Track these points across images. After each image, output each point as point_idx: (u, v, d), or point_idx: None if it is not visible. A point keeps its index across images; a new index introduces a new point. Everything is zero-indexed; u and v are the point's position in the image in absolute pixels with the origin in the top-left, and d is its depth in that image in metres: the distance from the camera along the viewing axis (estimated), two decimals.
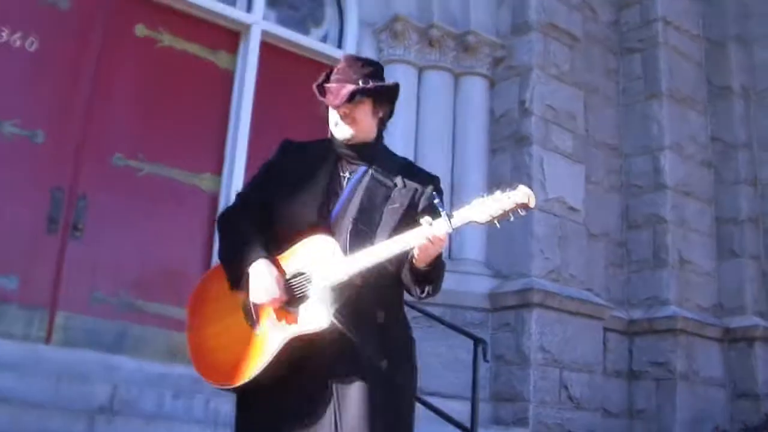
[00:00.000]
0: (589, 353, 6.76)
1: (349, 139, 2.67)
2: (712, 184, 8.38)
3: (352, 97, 2.62)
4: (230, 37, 6.63)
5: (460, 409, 5.22)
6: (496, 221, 2.37)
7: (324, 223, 2.55)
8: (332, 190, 2.63)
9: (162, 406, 4.38)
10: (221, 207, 6.22)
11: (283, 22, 6.97)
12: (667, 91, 8.18)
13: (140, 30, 6.14)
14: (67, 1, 5.84)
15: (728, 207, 8.25)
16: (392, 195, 2.63)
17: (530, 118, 7.10)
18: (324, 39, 7.24)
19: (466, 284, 6.63)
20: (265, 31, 6.72)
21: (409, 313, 2.91)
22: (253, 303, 2.49)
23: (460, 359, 6.01)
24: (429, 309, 5.46)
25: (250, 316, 2.50)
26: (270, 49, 6.75)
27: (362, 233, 2.53)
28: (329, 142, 2.76)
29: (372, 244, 2.48)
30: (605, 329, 7.20)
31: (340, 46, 7.25)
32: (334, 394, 2.39)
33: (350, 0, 7.33)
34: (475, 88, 7.41)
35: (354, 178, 2.65)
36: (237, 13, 6.64)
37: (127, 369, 4.89)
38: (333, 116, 2.68)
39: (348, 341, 2.42)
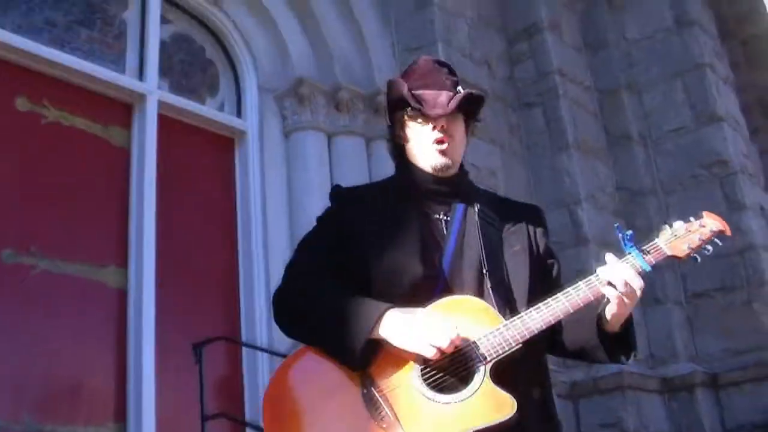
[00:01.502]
0: None
1: (444, 165, 2.08)
2: None
3: (466, 103, 2.10)
4: (123, 109, 5.82)
5: None
6: (694, 254, 1.98)
7: (435, 279, 1.90)
8: (430, 236, 2.01)
9: None
10: (131, 304, 5.35)
11: (177, 90, 6.24)
12: (574, 143, 7.97)
13: (22, 103, 5.25)
14: None
15: None
16: (503, 236, 2.08)
17: None
18: (221, 108, 6.55)
19: None
20: (161, 102, 5.96)
21: None
22: (383, 392, 1.78)
23: None
24: None
25: (385, 417, 1.77)
26: (168, 122, 5.99)
27: (501, 289, 1.96)
28: (400, 178, 2.14)
29: (512, 301, 1.90)
30: None
31: (239, 114, 6.59)
32: None
33: (246, 65, 6.68)
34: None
35: (456, 220, 2.06)
36: (129, 82, 5.85)
37: None
38: (424, 137, 2.06)
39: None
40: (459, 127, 2.15)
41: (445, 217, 2.07)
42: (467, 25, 7.52)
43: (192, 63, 6.49)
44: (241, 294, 6.05)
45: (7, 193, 5.03)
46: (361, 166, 6.75)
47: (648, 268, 1.93)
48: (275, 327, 5.68)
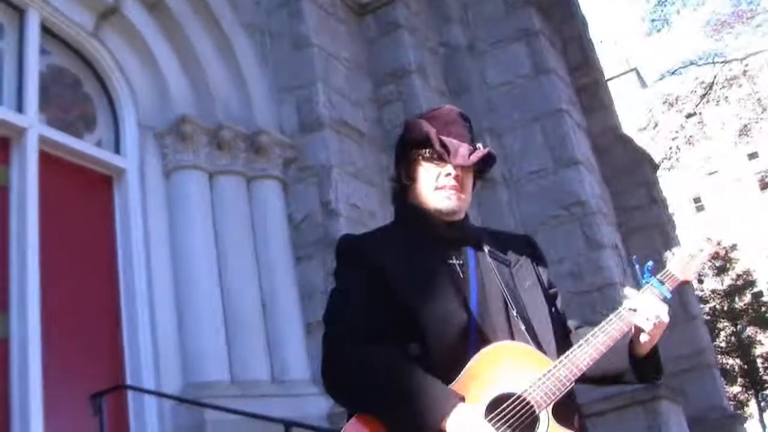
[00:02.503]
0: None
1: (452, 210, 2.09)
2: None
3: (487, 159, 2.12)
4: (1, 144, 5.48)
5: None
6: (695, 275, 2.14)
7: (473, 325, 1.93)
8: (451, 282, 2.01)
9: None
10: (14, 353, 5.02)
11: (55, 125, 5.93)
12: None
13: None
14: None
15: None
16: (514, 273, 2.12)
17: (338, 219, 6.65)
18: (99, 144, 6.28)
19: (302, 408, 5.90)
20: (42, 136, 5.65)
21: None
22: None
23: None
24: None
25: None
26: (48, 158, 5.69)
27: (530, 327, 2.00)
28: (407, 223, 2.14)
29: (537, 337, 1.98)
30: None
31: (118, 151, 6.33)
32: None
33: (125, 101, 6.44)
34: (270, 192, 6.84)
35: (471, 263, 2.07)
36: (6, 113, 5.51)
37: None
38: (435, 180, 2.08)
39: None
40: (469, 181, 2.16)
41: (458, 262, 2.06)
42: (344, 67, 7.58)
43: (70, 97, 6.19)
44: (125, 339, 5.79)
45: None
46: (242, 205, 6.65)
47: (669, 296, 2.02)
48: (162, 369, 5.48)
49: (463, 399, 1.80)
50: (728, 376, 21.03)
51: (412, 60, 8.66)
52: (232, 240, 6.46)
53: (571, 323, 2.23)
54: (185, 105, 6.60)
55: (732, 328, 21.11)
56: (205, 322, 6.02)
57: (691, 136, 20.25)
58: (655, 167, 14.84)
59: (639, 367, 2.07)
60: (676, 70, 19.80)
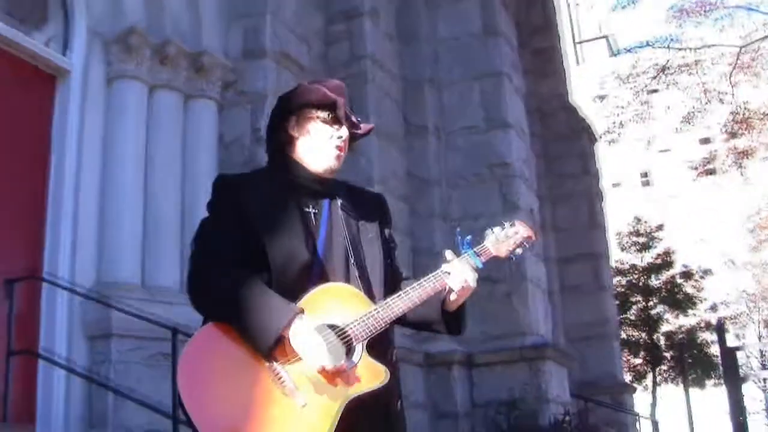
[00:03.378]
0: None
1: (334, 169, 2.51)
2: (408, 218, 8.88)
3: (358, 125, 2.54)
4: None
5: None
6: (511, 255, 2.54)
7: (314, 266, 2.33)
8: (304, 228, 2.41)
9: None
10: None
11: (5, 18, 6.13)
12: (375, 128, 8.52)
13: None
14: None
15: (424, 239, 8.80)
16: (360, 226, 2.52)
17: (263, 146, 6.97)
18: (47, 44, 6.50)
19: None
20: None
21: None
22: (293, 371, 2.19)
23: None
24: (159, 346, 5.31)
25: (285, 383, 2.17)
26: None
27: (364, 274, 2.41)
28: (281, 172, 2.52)
29: (371, 284, 2.39)
30: None
31: (64, 53, 6.57)
32: None
33: (77, 4, 6.66)
34: (206, 112, 7.17)
35: (324, 213, 2.46)
36: None
37: None
38: (328, 139, 2.45)
39: (387, 394, 2.31)
40: (347, 145, 2.55)
41: (314, 210, 2.45)
42: (294, 2, 7.82)
43: None
44: (47, 230, 6.12)
45: None
46: (177, 121, 6.96)
47: (481, 266, 2.45)
48: (78, 263, 5.81)
49: (303, 312, 2.21)
50: (633, 348, 21.98)
51: (366, 2, 8.92)
52: (163, 151, 6.79)
53: (403, 275, 2.64)
54: (136, 16, 6.83)
55: (644, 303, 21.97)
56: (125, 224, 6.38)
57: (637, 113, 20.80)
58: (594, 139, 15.32)
59: (446, 321, 2.49)
60: (632, 48, 20.25)
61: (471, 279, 2.40)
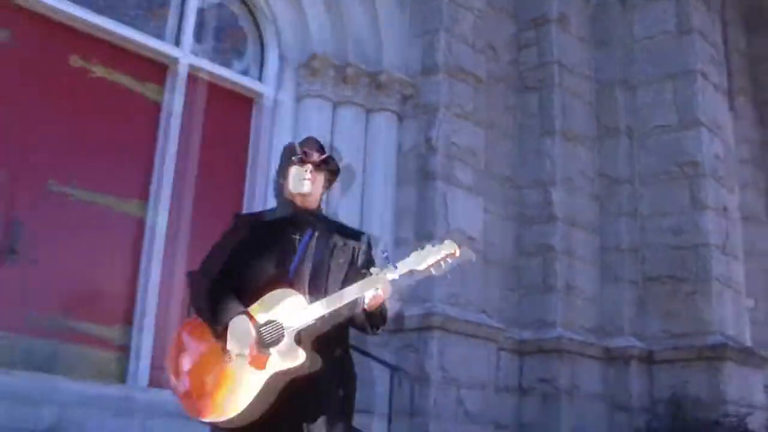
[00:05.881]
0: (482, 371, 7.41)
1: (306, 195, 3.23)
2: (597, 216, 9.16)
3: (325, 161, 3.25)
4: (159, 69, 7.01)
5: (364, 422, 5.78)
6: (431, 269, 2.98)
7: (284, 278, 3.08)
8: (287, 250, 3.17)
9: (104, 426, 4.77)
10: (147, 231, 6.62)
11: (209, 54, 7.37)
12: (559, 130, 8.92)
13: (74, 61, 6.47)
14: (8, 32, 6.12)
15: (611, 236, 9.05)
16: (334, 252, 3.23)
17: (436, 154, 7.71)
18: (245, 72, 7.68)
19: None
20: (192, 65, 7.13)
21: None
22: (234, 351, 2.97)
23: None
24: None
25: (233, 361, 2.96)
26: (196, 81, 7.16)
27: (318, 285, 3.10)
28: (278, 209, 3.30)
29: (326, 293, 3.06)
30: (499, 349, 7.87)
31: (260, 79, 7.72)
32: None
33: (270, 36, 7.79)
34: (385, 123, 7.99)
35: (304, 240, 3.21)
36: (166, 47, 7.03)
37: (67, 391, 5.25)
38: (298, 174, 3.20)
39: (315, 375, 2.95)
40: (320, 178, 3.29)
41: (298, 237, 3.22)
42: (474, 15, 8.43)
43: (225, 30, 7.61)
44: None
45: (57, 135, 6.28)
46: (358, 132, 7.88)
47: (396, 278, 2.97)
48: None
49: (245, 313, 2.99)
50: None
51: (555, 8, 9.32)
52: (344, 160, 7.70)
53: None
54: (321, 42, 7.83)
55: None
56: None
57: None
58: None
59: (369, 321, 3.11)
60: None
61: (381, 290, 2.97)
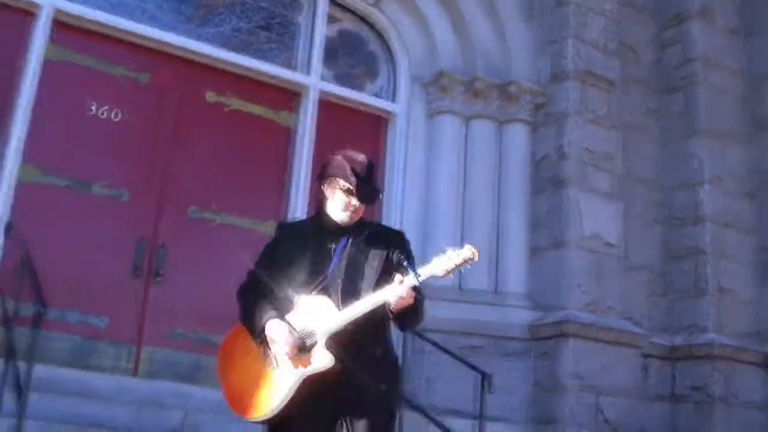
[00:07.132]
0: (625, 379, 7.27)
1: (348, 225, 3.39)
2: (754, 215, 8.73)
3: (371, 198, 3.39)
4: (291, 97, 7.45)
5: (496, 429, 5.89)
6: (450, 274, 3.05)
7: (319, 284, 3.28)
8: (323, 257, 3.34)
9: (223, 429, 5.13)
10: None
11: (339, 79, 7.74)
12: (706, 128, 8.58)
13: (210, 96, 7.01)
14: (147, 75, 6.73)
15: None
16: (368, 256, 3.35)
17: (567, 161, 7.67)
18: (378, 93, 7.98)
19: (508, 316, 7.24)
20: (322, 90, 7.54)
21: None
22: (274, 353, 3.20)
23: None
24: (462, 340, 6.27)
25: (272, 363, 3.20)
26: (327, 106, 7.55)
27: (350, 290, 3.25)
28: (317, 219, 3.49)
29: (359, 297, 3.21)
30: (647, 355, 7.69)
31: (392, 99, 8.00)
32: (345, 424, 3.12)
33: (400, 57, 8.07)
34: (518, 134, 8.03)
35: (339, 248, 3.36)
36: (296, 76, 7.47)
37: (196, 397, 5.71)
38: (343, 204, 3.37)
39: (351, 374, 3.12)
40: (362, 207, 3.39)
41: (333, 246, 3.36)
42: (605, 18, 8.32)
43: (354, 55, 7.95)
44: None
45: (195, 164, 6.82)
46: (491, 144, 7.98)
47: (418, 283, 3.04)
48: None
49: (279, 317, 3.20)
50: None
51: (697, 2, 9.01)
52: (478, 172, 7.83)
53: None
54: (449, 59, 8.02)
55: None
56: (440, 236, 7.49)
57: None
58: None
59: (396, 320, 3.25)
60: None
61: (402, 294, 3.02)
